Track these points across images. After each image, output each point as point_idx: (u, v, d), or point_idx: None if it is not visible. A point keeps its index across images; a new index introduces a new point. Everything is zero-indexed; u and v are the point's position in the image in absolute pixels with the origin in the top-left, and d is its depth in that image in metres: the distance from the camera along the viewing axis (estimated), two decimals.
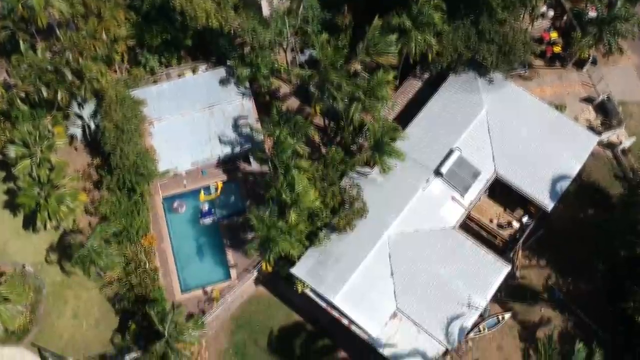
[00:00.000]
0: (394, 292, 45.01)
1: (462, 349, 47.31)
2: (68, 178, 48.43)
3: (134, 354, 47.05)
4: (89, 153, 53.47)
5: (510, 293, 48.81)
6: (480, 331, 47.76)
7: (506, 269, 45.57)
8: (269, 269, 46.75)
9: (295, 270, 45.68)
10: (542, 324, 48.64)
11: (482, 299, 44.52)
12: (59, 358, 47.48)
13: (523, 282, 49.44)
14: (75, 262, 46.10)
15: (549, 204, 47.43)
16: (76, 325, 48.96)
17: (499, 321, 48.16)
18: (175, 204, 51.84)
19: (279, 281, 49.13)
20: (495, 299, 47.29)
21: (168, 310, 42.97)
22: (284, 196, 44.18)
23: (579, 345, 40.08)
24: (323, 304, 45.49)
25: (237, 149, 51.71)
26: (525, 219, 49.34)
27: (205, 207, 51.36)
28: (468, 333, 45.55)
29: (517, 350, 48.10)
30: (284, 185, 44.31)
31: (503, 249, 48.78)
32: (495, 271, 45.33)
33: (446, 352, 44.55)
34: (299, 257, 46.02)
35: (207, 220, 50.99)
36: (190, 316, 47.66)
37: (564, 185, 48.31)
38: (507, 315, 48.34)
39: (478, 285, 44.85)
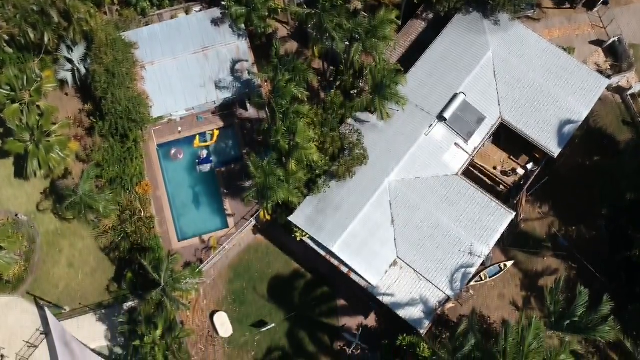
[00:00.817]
0: (394, 240, 43.92)
1: (463, 297, 46.61)
2: (58, 124, 46.65)
3: (131, 303, 46.38)
4: (80, 99, 51.53)
5: (513, 241, 47.79)
6: (481, 279, 47.00)
7: (510, 216, 44.36)
8: (267, 217, 45.54)
9: (293, 219, 44.47)
10: (545, 273, 47.78)
11: (485, 247, 43.46)
12: (55, 307, 46.74)
13: (526, 230, 48.39)
14: (68, 209, 44.82)
15: (555, 150, 45.88)
16: (72, 275, 48.09)
17: (500, 269, 47.35)
18: (173, 151, 50.27)
19: (278, 229, 48.08)
20: (498, 246, 46.25)
21: (163, 259, 41.87)
22: (282, 143, 42.57)
23: (581, 289, 39.13)
24: (322, 252, 44.47)
25: (233, 94, 49.75)
26: (530, 166, 47.87)
27: (204, 153, 49.80)
28: (469, 281, 44.69)
29: (518, 298, 47.42)
30: (282, 131, 42.62)
31: (507, 197, 47.50)
32: (498, 218, 44.13)
33: (447, 300, 43.75)
34: (297, 205, 44.70)
35: (205, 168, 49.53)
36: (187, 265, 46.77)
37: (571, 130, 46.65)
38: (509, 264, 47.49)
39: (481, 233, 43.72)
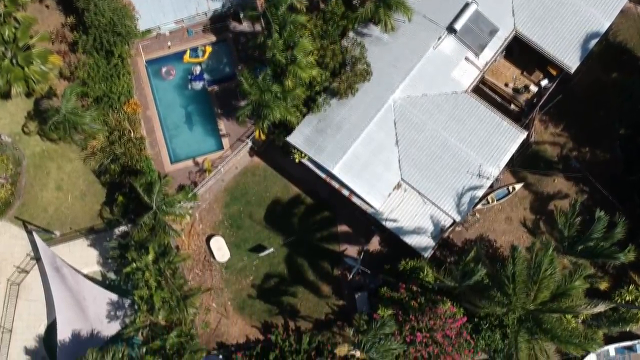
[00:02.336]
0: (399, 162, 41.09)
1: (469, 221, 44.25)
2: (37, 36, 42.78)
3: (123, 228, 44.11)
4: (61, 11, 47.22)
5: (523, 162, 44.89)
6: (488, 202, 44.52)
7: (522, 136, 41.33)
8: (263, 137, 42.50)
9: (291, 139, 41.42)
10: (555, 196, 45.22)
11: (495, 168, 40.66)
12: (45, 232, 44.48)
13: (538, 151, 45.49)
14: (52, 130, 41.76)
15: (572, 65, 42.27)
16: (61, 198, 45.57)
17: (509, 192, 44.78)
18: (164, 70, 46.57)
19: (276, 151, 45.20)
20: (507, 168, 43.44)
21: (155, 181, 39.12)
22: (278, 57, 38.92)
23: (600, 214, 36.63)
24: (322, 175, 41.72)
25: (226, 5, 45.52)
26: (544, 83, 44.33)
27: (197, 70, 46.16)
28: (476, 204, 42.13)
29: (527, 222, 45.12)
30: (279, 44, 38.87)
31: (518, 115, 44.25)
32: (509, 139, 41.13)
33: (453, 224, 41.34)
34: (296, 125, 41.53)
35: (197, 85, 46.03)
36: (181, 188, 44.11)
37: (590, 44, 42.86)
38: (518, 186, 44.88)
39: (490, 153, 40.83)
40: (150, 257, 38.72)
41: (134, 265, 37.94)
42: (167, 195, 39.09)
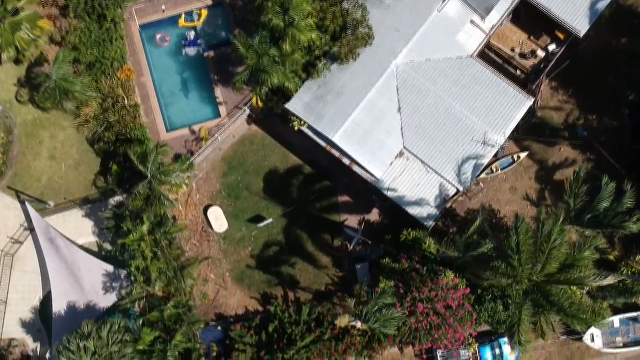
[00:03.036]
0: (401, 129, 39.66)
1: (473, 191, 42.94)
2: (25, 0, 40.78)
3: (118, 198, 42.78)
4: None
5: (528, 131, 43.46)
6: (492, 172, 43.15)
7: (528, 103, 39.84)
8: (260, 104, 40.91)
9: (290, 106, 39.87)
10: (561, 165, 43.85)
11: (500, 136, 39.21)
12: (38, 202, 43.17)
13: (543, 119, 43.96)
14: (43, 97, 40.16)
15: (581, 29, 40.55)
16: (54, 168, 44.16)
17: (513, 161, 43.41)
18: (159, 37, 44.70)
19: (274, 119, 43.70)
20: (511, 136, 41.95)
21: (150, 150, 37.69)
22: (275, 21, 37.15)
23: (607, 181, 35.31)
24: (322, 143, 40.30)
25: None
26: (552, 48, 42.59)
27: (192, 35, 44.31)
28: (480, 174, 40.78)
29: (532, 192, 43.84)
30: (276, 6, 37.06)
31: (524, 82, 42.64)
32: (516, 105, 39.66)
33: (456, 194, 40.05)
34: (295, 91, 39.92)
35: (191, 51, 44.25)
36: (177, 157, 42.78)
37: (599, 7, 41.16)
38: (523, 155, 43.49)
39: (496, 120, 39.39)
40: (146, 227, 37.52)
41: (131, 237, 36.62)
42: (162, 164, 37.67)
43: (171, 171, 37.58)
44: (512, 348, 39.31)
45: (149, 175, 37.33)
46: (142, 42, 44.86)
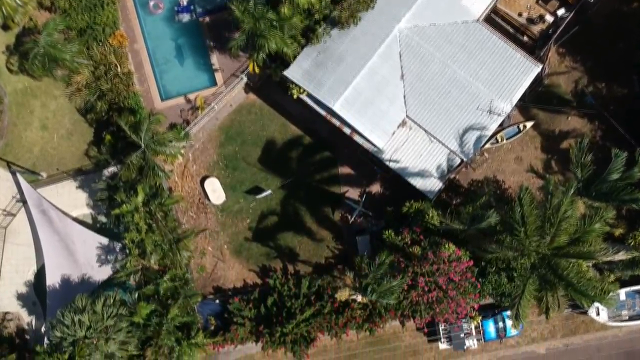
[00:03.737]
0: (404, 97, 37.99)
1: (477, 161, 41.45)
2: None
3: (112, 169, 41.23)
4: None
5: (535, 99, 41.72)
6: (497, 141, 41.59)
7: (536, 69, 38.06)
8: (257, 71, 39.13)
9: (289, 73, 38.12)
10: (568, 134, 42.26)
11: (507, 104, 37.51)
12: (30, 173, 41.76)
13: (550, 87, 42.20)
14: (33, 64, 38.45)
15: None
16: (46, 138, 42.64)
17: (519, 130, 41.83)
18: (152, 3, 42.69)
19: (273, 87, 42.00)
20: (518, 105, 40.25)
21: (143, 118, 36.09)
22: None
23: (617, 151, 33.80)
24: (322, 112, 38.66)
25: None
26: (560, 12, 40.67)
27: (183, 1, 42.28)
28: (485, 143, 39.22)
29: (538, 162, 42.30)
30: None
31: (532, 48, 40.78)
32: (523, 72, 37.88)
33: (460, 164, 38.55)
34: (293, 58, 38.15)
35: (184, 17, 42.29)
36: (172, 126, 41.21)
37: None
38: (529, 124, 41.88)
39: (503, 87, 37.66)
40: (140, 198, 36.13)
41: (125, 207, 35.25)
42: (156, 133, 36.07)
43: (165, 140, 36.09)
44: (514, 322, 38.29)
45: (142, 145, 35.84)
46: (135, 7, 42.92)
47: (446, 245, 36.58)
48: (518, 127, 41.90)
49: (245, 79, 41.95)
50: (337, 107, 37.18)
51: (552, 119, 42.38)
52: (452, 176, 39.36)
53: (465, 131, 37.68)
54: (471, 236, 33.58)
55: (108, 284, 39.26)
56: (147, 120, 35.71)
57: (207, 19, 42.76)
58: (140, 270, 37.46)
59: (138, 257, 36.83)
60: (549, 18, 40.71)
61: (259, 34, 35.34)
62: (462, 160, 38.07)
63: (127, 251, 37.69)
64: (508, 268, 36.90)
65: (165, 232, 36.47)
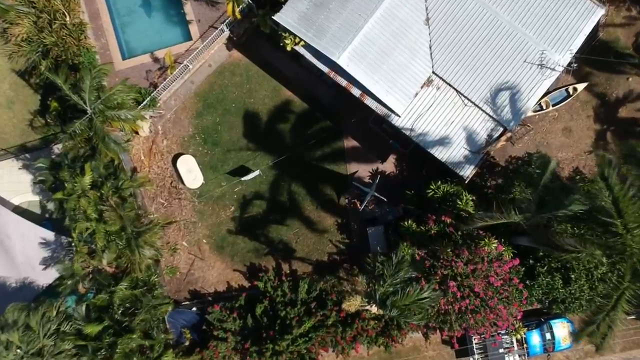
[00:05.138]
0: (430, 48, 29.07)
1: (517, 133, 32.64)
2: None
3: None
4: None
5: (587, 55, 32.71)
6: (542, 108, 32.86)
7: (599, 11, 29.09)
8: (238, 15, 30.15)
9: (280, 17, 29.17)
10: (628, 98, 33.45)
11: (563, 55, 28.58)
12: None
13: (606, 40, 33.40)
14: None
15: None
16: None
17: (568, 95, 33.16)
18: None
19: (262, 42, 33.34)
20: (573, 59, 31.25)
21: (85, 71, 27.11)
22: None
23: None
24: (324, 68, 29.73)
25: None
26: None
27: None
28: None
29: (590, 133, 33.63)
30: None
31: None
32: (582, 15, 29.02)
33: (502, 134, 29.63)
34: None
35: None
36: (137, 92, 32.20)
37: None
38: (581, 87, 33.18)
39: (556, 35, 28.85)
40: (87, 179, 27.24)
41: (63, 191, 26.42)
42: (103, 90, 27.09)
43: (113, 100, 26.98)
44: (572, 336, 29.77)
45: (88, 109, 26.81)
46: None
47: (486, 240, 27.85)
48: (567, 90, 33.26)
49: (227, 32, 33.03)
50: (343, 61, 28.26)
51: (608, 79, 33.74)
52: (491, 149, 30.37)
53: (509, 91, 28.90)
54: (534, 228, 24.59)
55: (53, 290, 30.38)
56: (89, 75, 26.61)
57: None
58: (90, 274, 28.57)
59: (87, 257, 27.92)
60: None
61: None
62: (504, 129, 29.20)
63: (73, 248, 28.80)
64: (564, 268, 28.21)
65: (121, 224, 27.54)
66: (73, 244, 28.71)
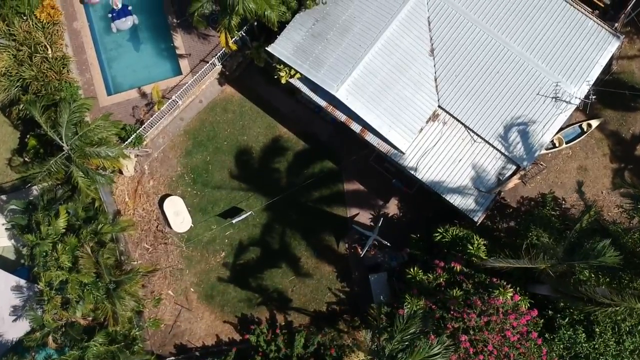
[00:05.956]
0: (435, 80, 26.79)
1: (530, 172, 30.14)
2: None
3: (45, 184, 29.60)
4: None
5: (601, 90, 30.54)
6: (554, 146, 30.46)
7: (616, 42, 26.99)
8: (232, 46, 28.02)
9: (275, 48, 27.05)
10: None
11: (579, 87, 26.36)
12: None
13: (621, 73, 31.30)
14: None
15: None
16: None
17: (582, 131, 30.76)
18: None
19: (256, 77, 31.28)
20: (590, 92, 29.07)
21: (64, 104, 24.84)
22: None
23: None
24: (322, 102, 27.44)
25: None
26: None
27: (117, 2, 31.40)
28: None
29: (607, 172, 31.12)
30: None
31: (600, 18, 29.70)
32: (597, 44, 26.91)
33: (515, 172, 27.13)
34: (280, 28, 27.21)
35: (123, 24, 31.48)
36: (120, 128, 29.92)
37: None
38: (595, 123, 30.92)
39: (571, 66, 26.61)
40: (61, 222, 24.64)
41: (32, 235, 23.76)
42: (82, 125, 24.75)
43: (93, 135, 24.60)
44: None
45: (64, 145, 24.41)
46: None
47: (501, 288, 25.04)
48: (580, 127, 30.98)
49: (219, 66, 31.01)
50: (341, 94, 26.03)
51: (624, 116, 31.51)
52: (503, 188, 27.80)
53: (522, 126, 26.54)
54: (559, 276, 21.81)
55: (23, 345, 27.34)
56: (68, 109, 24.31)
57: None
58: (63, 327, 25.61)
59: (59, 308, 25.03)
60: None
61: None
62: (517, 167, 26.72)
63: (45, 299, 25.90)
64: (588, 320, 25.31)
65: (99, 272, 24.75)
66: (44, 295, 25.78)
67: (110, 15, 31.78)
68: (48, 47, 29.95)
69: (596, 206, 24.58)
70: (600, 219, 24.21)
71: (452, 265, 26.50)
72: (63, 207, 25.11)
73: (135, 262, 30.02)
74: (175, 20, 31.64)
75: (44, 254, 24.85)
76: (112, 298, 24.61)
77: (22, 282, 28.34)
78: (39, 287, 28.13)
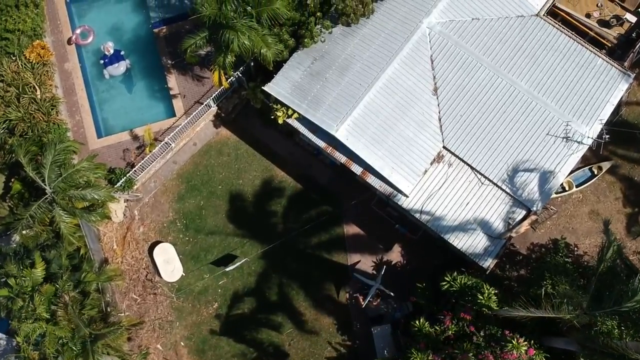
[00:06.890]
0: (439, 120, 25.47)
1: (540, 217, 28.48)
2: None
3: (28, 231, 27.89)
4: None
5: (612, 132, 29.24)
6: (564, 190, 28.94)
7: (627, 80, 25.80)
8: (225, 84, 26.86)
9: (272, 88, 25.82)
10: None
11: (592, 126, 25.02)
12: None
13: (631, 114, 30.05)
14: None
15: None
16: None
17: (593, 174, 29.29)
18: (79, 31, 30.97)
19: (252, 119, 30.02)
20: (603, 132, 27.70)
21: (49, 146, 23.43)
22: None
23: None
24: (321, 143, 26.03)
25: None
26: None
27: (110, 47, 30.61)
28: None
29: (619, 217, 29.47)
30: None
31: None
32: (607, 84, 25.76)
33: (525, 217, 25.49)
34: (276, 68, 26.10)
35: (116, 70, 30.61)
36: (110, 171, 28.49)
37: None
38: (606, 166, 29.43)
39: (582, 104, 25.41)
40: (38, 272, 22.75)
41: (6, 289, 21.88)
42: (65, 166, 23.24)
43: (77, 177, 23.06)
44: None
45: (47, 188, 22.84)
46: (69, 14, 31.30)
47: (514, 342, 23.03)
48: (591, 170, 29.53)
49: (214, 108, 29.80)
50: (341, 134, 24.65)
51: (636, 159, 29.95)
52: (513, 234, 26.07)
53: (531, 168, 25.05)
54: (581, 327, 19.86)
55: None
56: (53, 150, 22.86)
57: (164, 29, 31.10)
58: None
59: None
60: (631, 18, 28.96)
61: (225, 25, 23.26)
62: (528, 211, 25.09)
63: (22, 355, 23.82)
64: None
65: (78, 325, 22.76)
66: (20, 349, 23.74)
67: (102, 62, 30.79)
68: (37, 87, 28.82)
69: (618, 243, 22.74)
70: (624, 256, 22.44)
71: (462, 316, 24.55)
72: (38, 254, 23.31)
73: (122, 314, 28.02)
74: (169, 62, 30.67)
75: (20, 306, 22.89)
76: (88, 353, 22.51)
77: (1, 335, 26.32)
78: (16, 340, 26.12)
